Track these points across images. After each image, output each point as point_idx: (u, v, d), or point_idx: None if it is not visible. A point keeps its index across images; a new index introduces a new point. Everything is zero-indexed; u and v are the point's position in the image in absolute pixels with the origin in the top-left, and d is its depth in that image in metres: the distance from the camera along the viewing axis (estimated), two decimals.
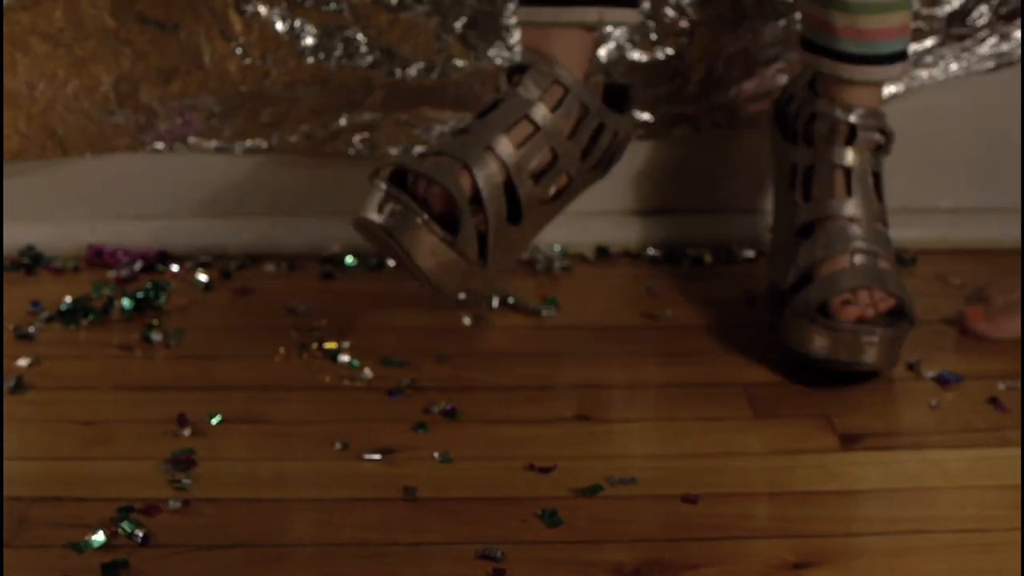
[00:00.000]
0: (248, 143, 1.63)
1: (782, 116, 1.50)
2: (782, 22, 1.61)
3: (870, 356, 1.35)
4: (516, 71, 1.36)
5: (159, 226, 1.67)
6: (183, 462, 1.26)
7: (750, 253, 1.65)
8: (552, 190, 1.36)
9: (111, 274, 1.62)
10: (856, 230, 1.40)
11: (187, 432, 1.30)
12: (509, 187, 1.33)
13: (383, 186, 1.30)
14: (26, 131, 1.61)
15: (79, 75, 1.59)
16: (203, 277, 1.61)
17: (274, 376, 1.40)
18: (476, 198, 1.31)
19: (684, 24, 1.60)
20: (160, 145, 1.62)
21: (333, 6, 1.57)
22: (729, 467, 1.25)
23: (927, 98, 1.66)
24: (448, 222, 1.30)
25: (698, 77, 1.62)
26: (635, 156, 1.65)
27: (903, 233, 1.58)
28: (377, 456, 1.27)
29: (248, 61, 1.58)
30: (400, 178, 1.32)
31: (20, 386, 1.38)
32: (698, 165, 1.68)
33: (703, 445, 1.29)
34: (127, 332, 1.50)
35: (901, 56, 1.41)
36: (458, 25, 1.59)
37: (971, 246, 1.67)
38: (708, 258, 1.65)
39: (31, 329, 1.49)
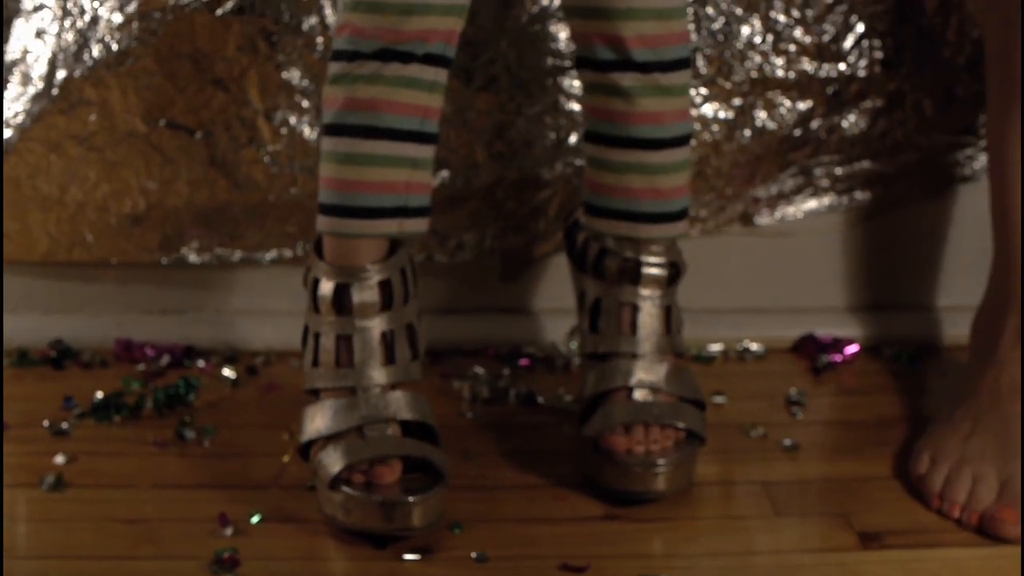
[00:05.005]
0: (273, 252, 1.69)
1: (571, 243, 1.52)
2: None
3: (660, 483, 1.39)
4: (340, 292, 1.37)
5: (184, 320, 1.73)
6: (227, 562, 1.30)
7: (757, 348, 1.72)
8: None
9: (140, 368, 1.67)
10: (637, 367, 1.43)
11: (229, 531, 1.35)
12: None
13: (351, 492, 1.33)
14: (56, 234, 1.66)
15: (109, 179, 1.63)
16: (230, 373, 1.66)
17: (306, 474, 1.44)
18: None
19: None
20: (186, 254, 1.68)
21: None
22: (753, 566, 1.31)
23: None
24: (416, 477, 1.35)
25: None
26: None
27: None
28: (416, 556, 1.32)
29: (276, 169, 1.63)
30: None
31: (60, 484, 1.43)
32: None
33: (726, 544, 1.35)
34: (160, 429, 1.54)
35: (687, 211, 1.46)
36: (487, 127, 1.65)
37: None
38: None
39: (65, 425, 1.53)
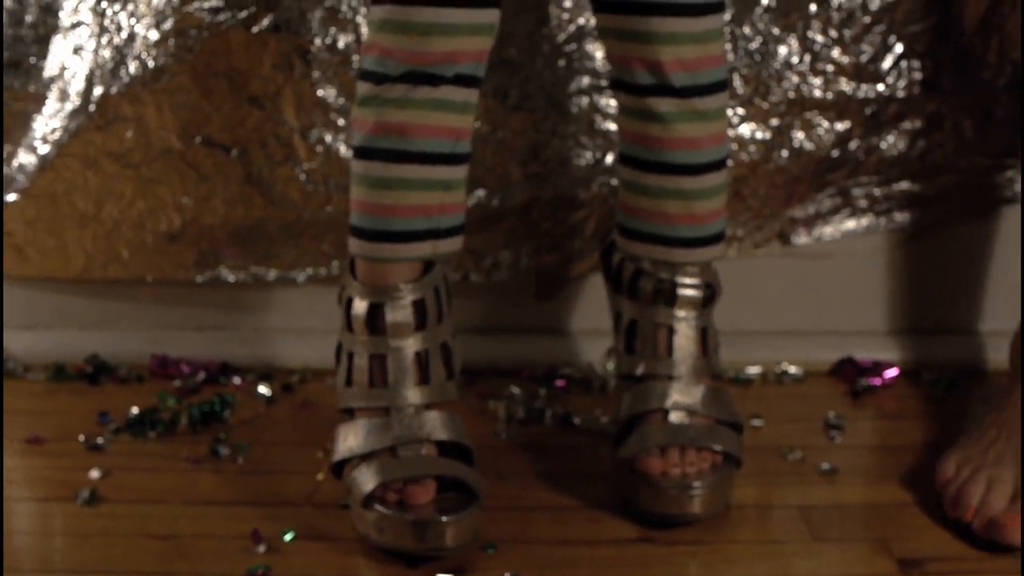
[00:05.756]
0: (308, 271, 1.69)
1: (607, 264, 1.51)
2: None
3: (696, 506, 1.38)
4: (373, 311, 1.37)
5: (220, 337, 1.73)
6: None
7: (796, 370, 1.71)
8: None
9: (175, 384, 1.67)
10: (673, 388, 1.42)
11: (262, 548, 1.34)
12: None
13: (384, 510, 1.33)
14: (92, 251, 1.66)
15: (145, 196, 1.64)
16: (265, 391, 1.66)
17: (339, 492, 1.44)
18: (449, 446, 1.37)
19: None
20: (221, 273, 1.68)
21: None
22: None
23: None
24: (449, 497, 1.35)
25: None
26: None
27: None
28: None
29: (311, 187, 1.63)
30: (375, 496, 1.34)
31: (94, 498, 1.43)
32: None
33: (763, 569, 1.33)
34: (195, 445, 1.54)
35: (723, 235, 1.45)
36: (522, 147, 1.65)
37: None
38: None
39: (100, 440, 1.54)
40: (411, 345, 1.37)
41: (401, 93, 1.32)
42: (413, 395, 1.36)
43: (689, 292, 1.44)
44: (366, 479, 1.33)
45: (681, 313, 1.44)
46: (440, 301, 1.38)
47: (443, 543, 1.31)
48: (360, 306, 1.37)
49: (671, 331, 1.44)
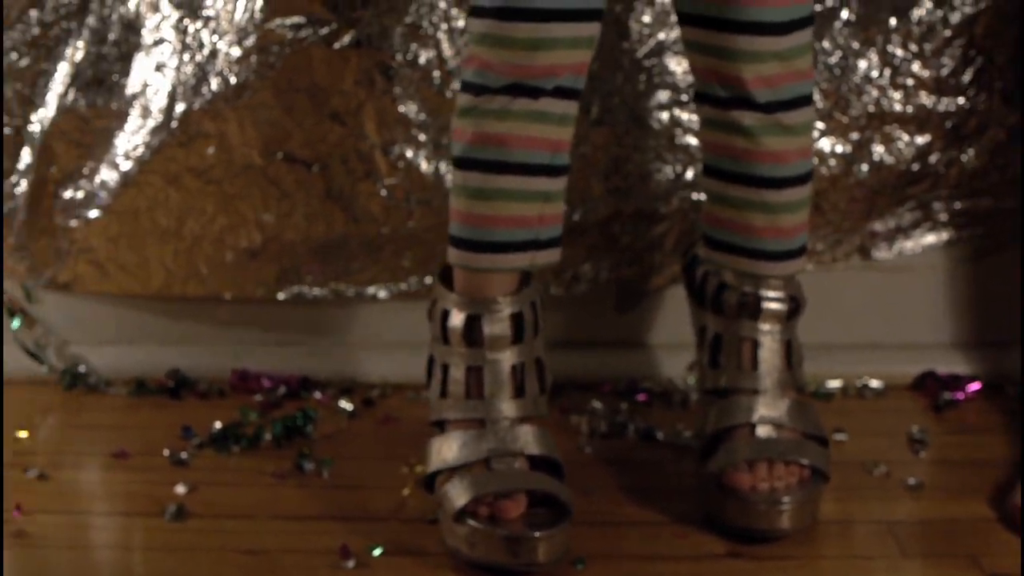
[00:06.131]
0: (389, 286, 1.69)
1: (690, 278, 1.51)
2: None
3: (784, 521, 1.37)
4: (471, 323, 1.37)
5: (299, 352, 1.73)
6: None
7: (877, 384, 1.70)
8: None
9: (256, 398, 1.68)
10: (759, 402, 1.42)
11: (351, 564, 1.35)
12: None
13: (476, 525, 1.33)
14: (172, 267, 1.67)
15: (227, 212, 1.65)
16: (347, 405, 1.66)
17: (426, 507, 1.44)
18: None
19: None
20: (302, 289, 1.69)
21: None
22: None
23: None
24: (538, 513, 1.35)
25: None
26: None
27: None
28: None
29: (392, 203, 1.64)
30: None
31: (181, 514, 1.44)
32: None
33: None
34: (279, 460, 1.55)
35: (806, 247, 1.45)
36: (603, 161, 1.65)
37: None
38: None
39: (184, 455, 1.55)
40: (508, 358, 1.37)
41: (501, 104, 1.33)
42: (508, 408, 1.37)
43: (774, 305, 1.43)
44: (459, 492, 1.33)
45: (766, 326, 1.43)
46: (536, 315, 1.39)
47: (535, 558, 1.31)
48: (457, 318, 1.37)
49: (756, 344, 1.43)
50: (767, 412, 1.42)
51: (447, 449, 1.37)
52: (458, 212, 1.38)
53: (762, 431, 1.41)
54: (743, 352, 1.44)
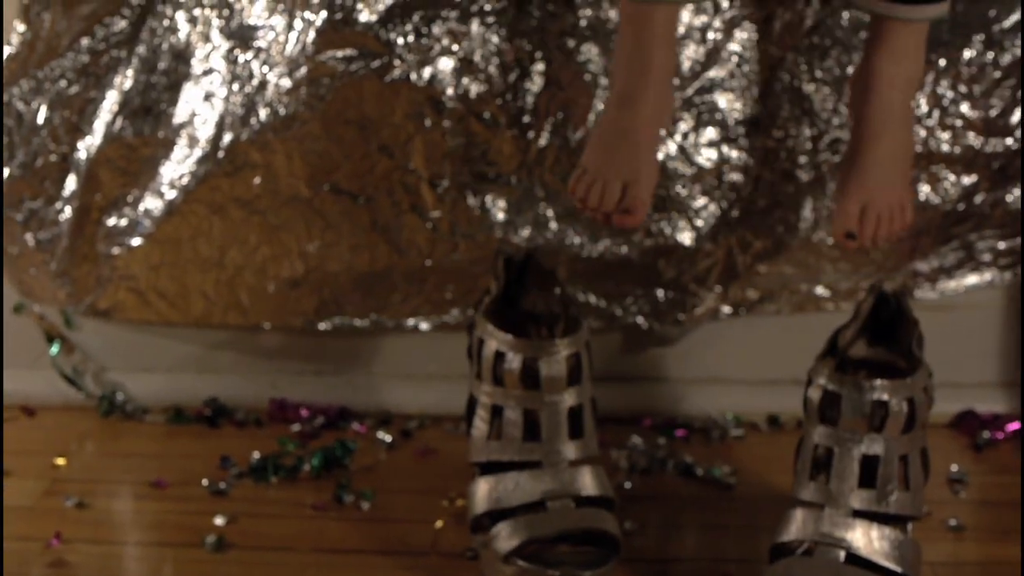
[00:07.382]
0: (431, 318, 1.69)
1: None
2: None
3: None
4: (528, 366, 1.37)
5: (337, 382, 1.73)
6: None
7: None
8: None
9: (295, 428, 1.68)
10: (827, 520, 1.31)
11: None
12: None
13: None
14: (213, 296, 1.68)
15: (270, 242, 1.65)
16: (385, 437, 1.66)
17: (461, 541, 1.43)
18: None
19: None
20: (342, 320, 1.69)
21: (524, 181, 1.63)
22: None
23: None
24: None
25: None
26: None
27: None
28: None
29: (437, 235, 1.64)
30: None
31: (222, 545, 1.43)
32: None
33: None
34: (318, 491, 1.54)
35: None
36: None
37: None
38: None
39: (223, 485, 1.54)
40: (566, 400, 1.37)
41: None
42: (568, 450, 1.36)
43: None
44: (511, 534, 1.33)
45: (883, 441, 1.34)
46: (590, 356, 1.38)
47: None
48: (514, 361, 1.37)
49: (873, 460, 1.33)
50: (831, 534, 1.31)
51: (501, 490, 1.36)
52: None
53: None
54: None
